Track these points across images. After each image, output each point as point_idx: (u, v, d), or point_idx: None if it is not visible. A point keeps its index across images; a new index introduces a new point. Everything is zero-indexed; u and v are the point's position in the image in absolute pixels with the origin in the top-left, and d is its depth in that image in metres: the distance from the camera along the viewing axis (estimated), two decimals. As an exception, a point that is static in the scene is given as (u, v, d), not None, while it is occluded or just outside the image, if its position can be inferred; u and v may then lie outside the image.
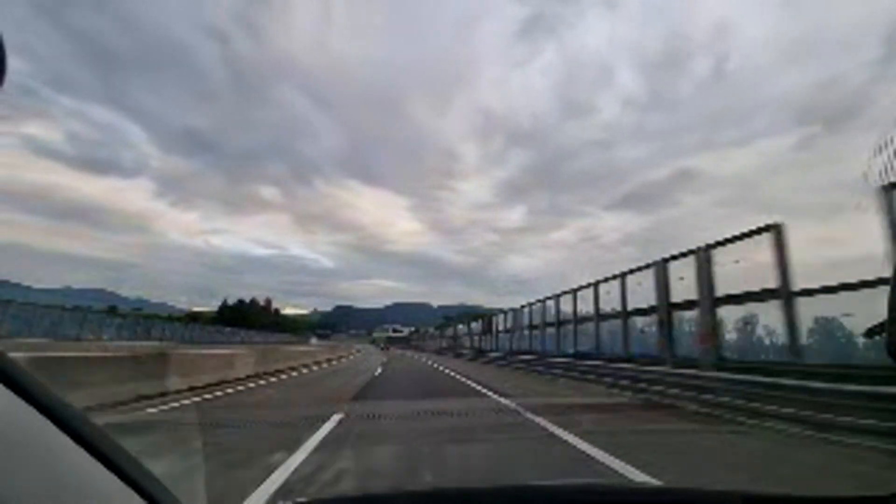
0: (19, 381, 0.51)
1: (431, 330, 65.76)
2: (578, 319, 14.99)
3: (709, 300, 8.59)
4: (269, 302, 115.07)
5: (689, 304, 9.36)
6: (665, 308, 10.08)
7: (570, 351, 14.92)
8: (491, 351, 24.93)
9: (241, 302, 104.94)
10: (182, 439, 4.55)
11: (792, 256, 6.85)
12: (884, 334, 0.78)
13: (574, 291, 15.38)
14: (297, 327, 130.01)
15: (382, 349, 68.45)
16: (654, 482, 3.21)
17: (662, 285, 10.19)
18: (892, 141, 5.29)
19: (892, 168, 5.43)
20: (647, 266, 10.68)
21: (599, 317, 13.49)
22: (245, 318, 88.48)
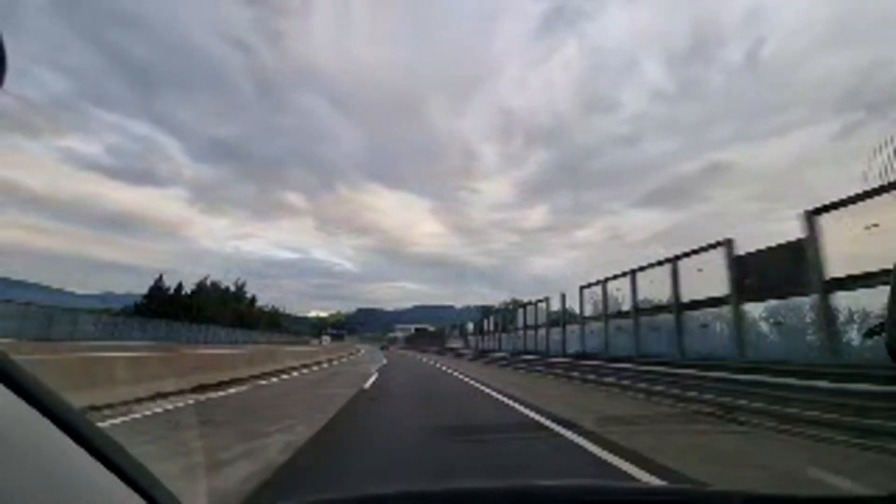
0: (19, 381, 0.51)
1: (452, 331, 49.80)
2: (611, 315, 12.83)
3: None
4: (240, 287, 73.16)
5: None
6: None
7: (600, 352, 12.74)
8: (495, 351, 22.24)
9: (194, 292, 59.78)
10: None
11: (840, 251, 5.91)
12: (884, 334, 0.83)
13: (602, 283, 13.23)
14: (300, 330, 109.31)
15: (382, 349, 67.21)
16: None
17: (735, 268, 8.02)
18: (892, 140, 5.30)
19: (892, 168, 5.37)
20: (713, 246, 8.52)
21: (640, 311, 11.33)
22: (199, 308, 55.39)
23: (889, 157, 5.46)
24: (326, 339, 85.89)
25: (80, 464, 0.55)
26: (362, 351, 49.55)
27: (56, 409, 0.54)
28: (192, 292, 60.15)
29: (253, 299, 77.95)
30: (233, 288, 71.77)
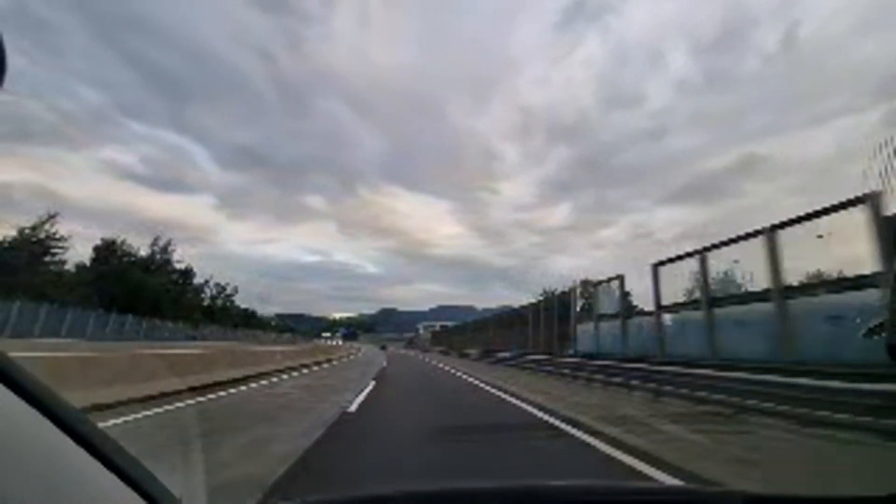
0: (19, 381, 0.51)
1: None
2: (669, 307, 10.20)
3: None
4: (186, 274, 53.48)
5: None
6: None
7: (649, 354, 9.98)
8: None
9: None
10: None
11: None
12: (884, 334, 1.06)
13: (656, 266, 10.61)
14: (262, 325, 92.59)
15: (382, 349, 65.00)
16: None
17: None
18: (892, 140, 5.23)
19: (892, 168, 5.32)
20: (844, 205, 5.88)
21: (714, 301, 8.71)
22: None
23: (889, 157, 5.31)
24: (338, 338, 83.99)
25: (79, 464, 0.56)
26: (362, 351, 46.71)
27: (56, 409, 0.54)
28: (93, 260, 40.66)
29: (185, 275, 53.25)
30: (151, 255, 47.66)
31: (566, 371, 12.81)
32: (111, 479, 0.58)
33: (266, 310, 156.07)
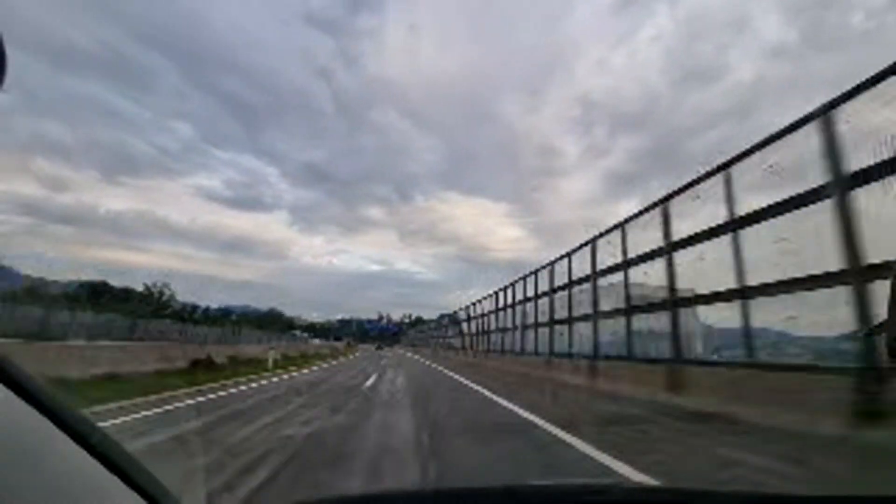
0: (20, 381, 0.51)
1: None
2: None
3: None
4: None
5: None
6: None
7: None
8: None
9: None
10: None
11: None
12: (883, 334, 0.78)
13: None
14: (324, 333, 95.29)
15: (378, 349, 63.63)
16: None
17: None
18: (892, 140, 5.02)
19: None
20: None
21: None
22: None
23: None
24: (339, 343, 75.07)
25: (79, 463, 0.56)
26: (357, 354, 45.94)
27: (56, 408, 0.54)
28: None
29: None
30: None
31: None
32: (111, 479, 0.58)
33: (332, 316, 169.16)
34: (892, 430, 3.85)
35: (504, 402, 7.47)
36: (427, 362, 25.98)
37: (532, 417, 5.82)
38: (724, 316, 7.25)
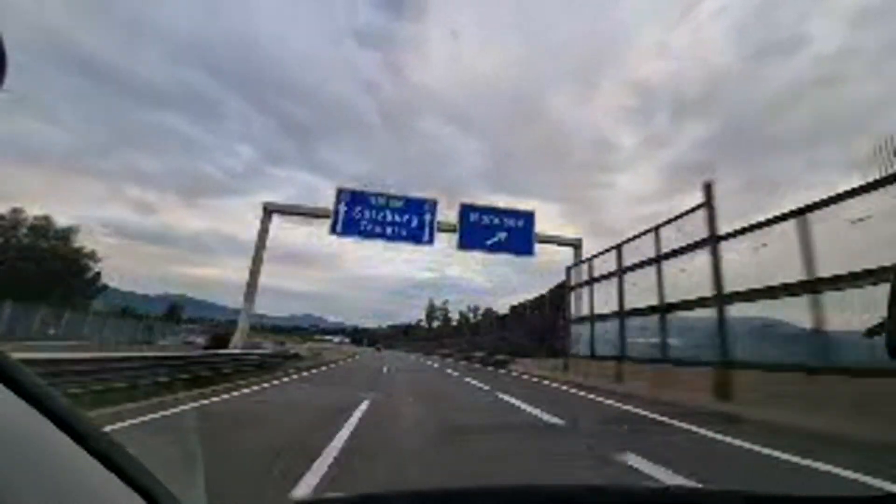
0: (20, 381, 0.51)
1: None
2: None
3: None
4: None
5: None
6: None
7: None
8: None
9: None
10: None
11: None
12: (883, 334, 0.75)
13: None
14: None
15: (377, 349, 63.44)
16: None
17: None
18: (892, 140, 5.21)
19: (891, 167, 5.25)
20: None
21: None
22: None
23: (888, 157, 5.40)
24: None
25: (79, 463, 0.55)
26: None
27: (56, 408, 0.54)
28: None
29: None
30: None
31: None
32: (111, 479, 0.58)
33: (383, 322, 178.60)
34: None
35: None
36: (440, 369, 21.35)
37: None
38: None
